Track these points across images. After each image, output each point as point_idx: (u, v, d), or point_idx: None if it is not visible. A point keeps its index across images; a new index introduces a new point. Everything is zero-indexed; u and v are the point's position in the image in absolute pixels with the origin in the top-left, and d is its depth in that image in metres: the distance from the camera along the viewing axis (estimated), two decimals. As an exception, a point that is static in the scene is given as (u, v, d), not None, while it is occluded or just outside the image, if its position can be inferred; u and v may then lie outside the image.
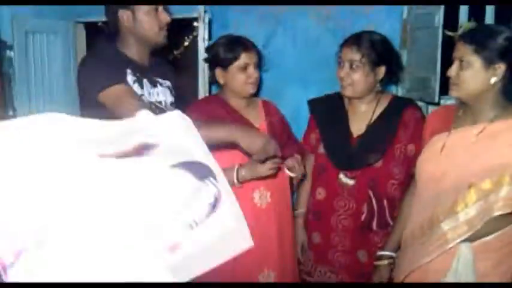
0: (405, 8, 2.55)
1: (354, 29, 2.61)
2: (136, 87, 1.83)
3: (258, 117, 2.11)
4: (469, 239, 1.58)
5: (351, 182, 2.01)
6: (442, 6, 2.30)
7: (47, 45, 3.11)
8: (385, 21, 2.58)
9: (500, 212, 1.54)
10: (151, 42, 1.89)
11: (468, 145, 1.62)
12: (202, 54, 2.75)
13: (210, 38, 2.78)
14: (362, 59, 1.96)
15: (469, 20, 2.43)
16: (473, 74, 1.58)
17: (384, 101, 2.08)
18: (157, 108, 1.92)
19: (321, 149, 2.10)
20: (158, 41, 1.90)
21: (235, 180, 1.90)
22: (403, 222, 1.82)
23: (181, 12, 2.92)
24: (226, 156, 1.94)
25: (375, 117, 2.04)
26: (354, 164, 2.02)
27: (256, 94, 2.16)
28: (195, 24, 2.82)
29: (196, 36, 2.87)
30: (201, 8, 2.74)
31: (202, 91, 2.81)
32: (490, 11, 2.52)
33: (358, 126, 2.06)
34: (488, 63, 1.56)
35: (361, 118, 2.06)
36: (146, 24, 1.84)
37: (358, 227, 2.01)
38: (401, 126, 2.01)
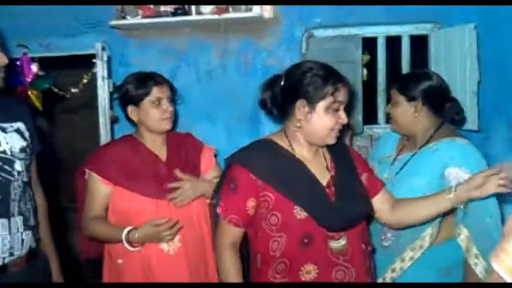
0: (303, 42, 2.64)
1: (255, 63, 2.67)
2: None
3: None
4: None
5: (343, 242, 1.57)
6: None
7: None
8: (285, 55, 2.65)
9: None
10: None
11: None
12: (102, 93, 2.64)
13: (109, 75, 2.67)
14: None
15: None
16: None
17: None
18: None
19: (300, 214, 1.53)
20: None
21: (125, 242, 1.80)
22: None
23: (77, 49, 2.80)
24: (139, 200, 1.87)
25: (327, 156, 1.68)
26: (351, 220, 1.59)
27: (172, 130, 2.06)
28: (94, 61, 2.69)
29: (95, 74, 2.74)
30: (99, 45, 2.64)
31: (103, 130, 2.67)
32: (406, 45, 2.68)
33: (317, 172, 1.61)
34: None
35: (314, 162, 1.63)
36: None
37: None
38: (353, 159, 1.73)
